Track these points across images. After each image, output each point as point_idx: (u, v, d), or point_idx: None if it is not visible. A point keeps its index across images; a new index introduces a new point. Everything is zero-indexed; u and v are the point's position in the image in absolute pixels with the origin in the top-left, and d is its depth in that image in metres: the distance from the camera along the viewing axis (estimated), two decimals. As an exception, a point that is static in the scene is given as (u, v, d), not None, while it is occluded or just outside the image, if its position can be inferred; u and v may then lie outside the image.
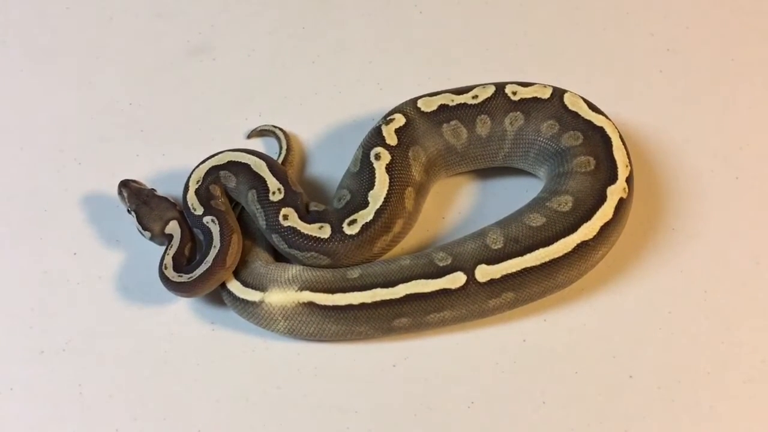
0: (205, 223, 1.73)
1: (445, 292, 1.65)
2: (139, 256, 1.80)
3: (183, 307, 1.77)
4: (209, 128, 1.97)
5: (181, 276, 1.69)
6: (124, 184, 1.79)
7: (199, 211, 1.75)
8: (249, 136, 1.96)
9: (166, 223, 1.75)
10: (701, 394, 1.70)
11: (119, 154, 1.94)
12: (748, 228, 1.86)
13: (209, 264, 1.68)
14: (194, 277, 1.68)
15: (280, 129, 1.94)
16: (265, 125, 1.96)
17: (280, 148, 1.92)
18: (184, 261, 1.73)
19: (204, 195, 1.76)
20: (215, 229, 1.72)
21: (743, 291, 1.79)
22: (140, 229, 1.76)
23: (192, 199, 1.76)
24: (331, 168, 1.92)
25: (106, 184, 1.88)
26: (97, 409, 1.68)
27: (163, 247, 1.75)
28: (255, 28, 2.11)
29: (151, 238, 1.76)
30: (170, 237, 1.74)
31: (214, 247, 1.70)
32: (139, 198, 1.76)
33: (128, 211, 1.77)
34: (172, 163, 1.91)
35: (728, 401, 1.69)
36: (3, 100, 2.01)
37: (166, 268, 1.71)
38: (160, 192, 1.81)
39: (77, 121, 1.98)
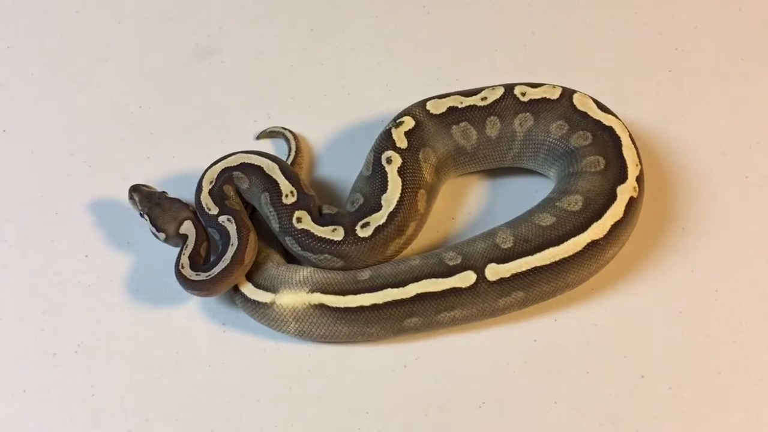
0: (220, 222, 1.73)
1: (455, 291, 1.65)
2: (150, 258, 1.81)
3: (194, 308, 1.77)
4: (219, 130, 1.98)
5: (199, 274, 1.69)
6: (135, 189, 1.79)
7: (214, 210, 1.75)
8: (258, 137, 1.97)
9: (180, 223, 1.75)
10: (712, 394, 1.70)
11: (129, 156, 1.94)
12: (758, 227, 1.85)
13: (228, 261, 1.68)
14: (213, 275, 1.68)
15: (289, 131, 1.95)
16: (275, 127, 1.96)
17: (289, 149, 1.92)
18: (200, 260, 1.73)
19: (218, 195, 1.76)
20: (232, 228, 1.72)
21: (754, 290, 1.79)
22: (154, 231, 1.76)
23: (206, 199, 1.76)
24: (339, 170, 1.93)
25: (116, 187, 1.89)
26: (109, 410, 1.69)
27: (178, 249, 1.75)
28: (263, 30, 2.12)
29: (166, 240, 1.76)
30: (185, 237, 1.74)
31: (232, 245, 1.70)
32: (150, 201, 1.77)
33: (141, 215, 1.77)
34: (182, 166, 1.92)
35: (739, 401, 1.69)
36: (13, 103, 2.02)
37: (182, 267, 1.71)
38: (170, 194, 1.82)
39: (87, 125, 1.99)
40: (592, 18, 2.13)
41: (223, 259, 1.69)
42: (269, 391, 1.70)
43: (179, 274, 1.70)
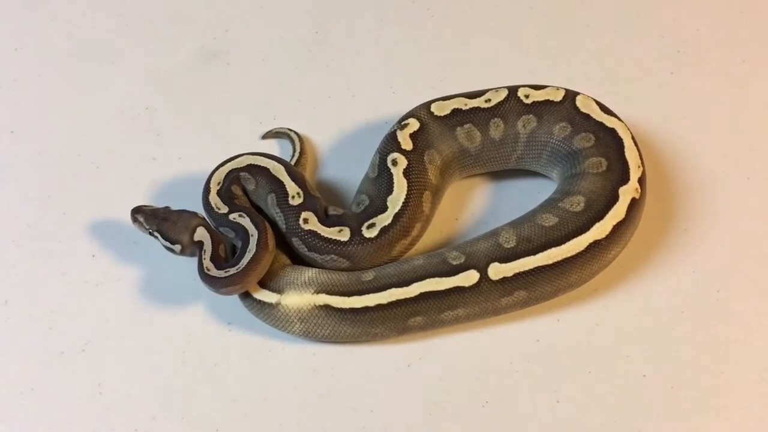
0: (232, 219, 1.73)
1: (458, 290, 1.67)
2: (157, 258, 1.82)
3: (201, 308, 1.78)
4: (224, 132, 1.99)
5: (228, 271, 1.67)
6: (137, 210, 1.75)
7: (224, 209, 1.75)
8: (264, 137, 1.98)
9: (193, 230, 1.72)
10: (714, 394, 1.70)
11: (136, 157, 1.95)
12: (759, 228, 1.86)
13: (254, 250, 1.68)
14: (243, 266, 1.67)
15: (294, 132, 1.96)
16: (280, 128, 1.98)
17: (294, 150, 1.93)
18: (221, 260, 1.71)
19: (226, 195, 1.77)
20: (246, 221, 1.72)
21: (756, 290, 1.80)
22: (168, 245, 1.73)
23: (215, 200, 1.76)
24: (344, 171, 1.94)
25: (123, 188, 1.90)
26: (116, 409, 1.70)
27: (194, 258, 1.74)
28: (268, 32, 2.13)
29: (182, 251, 1.73)
30: (200, 243, 1.72)
31: (252, 235, 1.70)
32: (156, 217, 1.74)
33: (150, 233, 1.74)
34: (188, 166, 1.93)
35: (741, 401, 1.70)
36: (21, 105, 2.03)
37: (208, 270, 1.69)
38: (176, 201, 1.80)
39: (94, 126, 2.00)
40: (595, 21, 2.14)
41: (248, 250, 1.68)
42: (274, 390, 1.71)
43: (207, 278, 1.68)
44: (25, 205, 1.90)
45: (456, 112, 1.82)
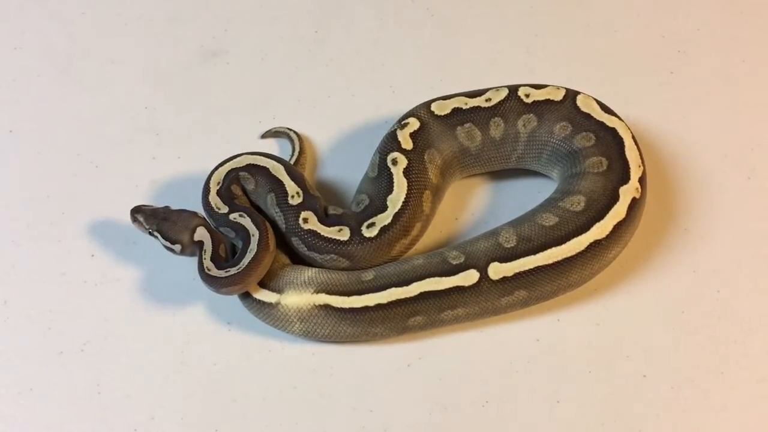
0: (232, 219, 1.73)
1: (458, 290, 1.66)
2: (156, 258, 1.82)
3: (200, 308, 1.78)
4: (224, 131, 1.99)
5: (229, 271, 1.67)
6: (137, 210, 1.75)
7: (224, 209, 1.75)
8: (263, 136, 1.98)
9: (194, 230, 1.72)
10: (715, 394, 1.70)
11: (135, 157, 1.95)
12: (759, 227, 1.86)
13: (255, 250, 1.67)
14: (244, 266, 1.66)
15: (294, 131, 1.96)
16: (279, 127, 1.98)
17: (293, 149, 1.93)
18: (222, 260, 1.71)
19: (226, 195, 1.77)
20: (246, 221, 1.72)
21: (756, 290, 1.80)
22: (168, 245, 1.72)
23: (215, 200, 1.76)
24: (343, 171, 1.94)
25: (122, 187, 1.90)
26: (116, 408, 1.69)
27: (194, 258, 1.73)
28: (268, 32, 2.13)
29: (182, 251, 1.72)
30: (201, 243, 1.72)
31: (253, 235, 1.69)
32: (156, 217, 1.74)
33: (150, 233, 1.74)
34: (187, 166, 1.93)
35: (742, 401, 1.70)
36: (20, 104, 2.03)
37: (209, 270, 1.68)
38: (175, 201, 1.80)
39: (94, 125, 2.00)
40: (595, 20, 2.14)
41: (249, 250, 1.68)
42: (274, 390, 1.71)
43: (207, 278, 1.68)
44: (24, 204, 1.90)
45: (456, 111, 1.82)
